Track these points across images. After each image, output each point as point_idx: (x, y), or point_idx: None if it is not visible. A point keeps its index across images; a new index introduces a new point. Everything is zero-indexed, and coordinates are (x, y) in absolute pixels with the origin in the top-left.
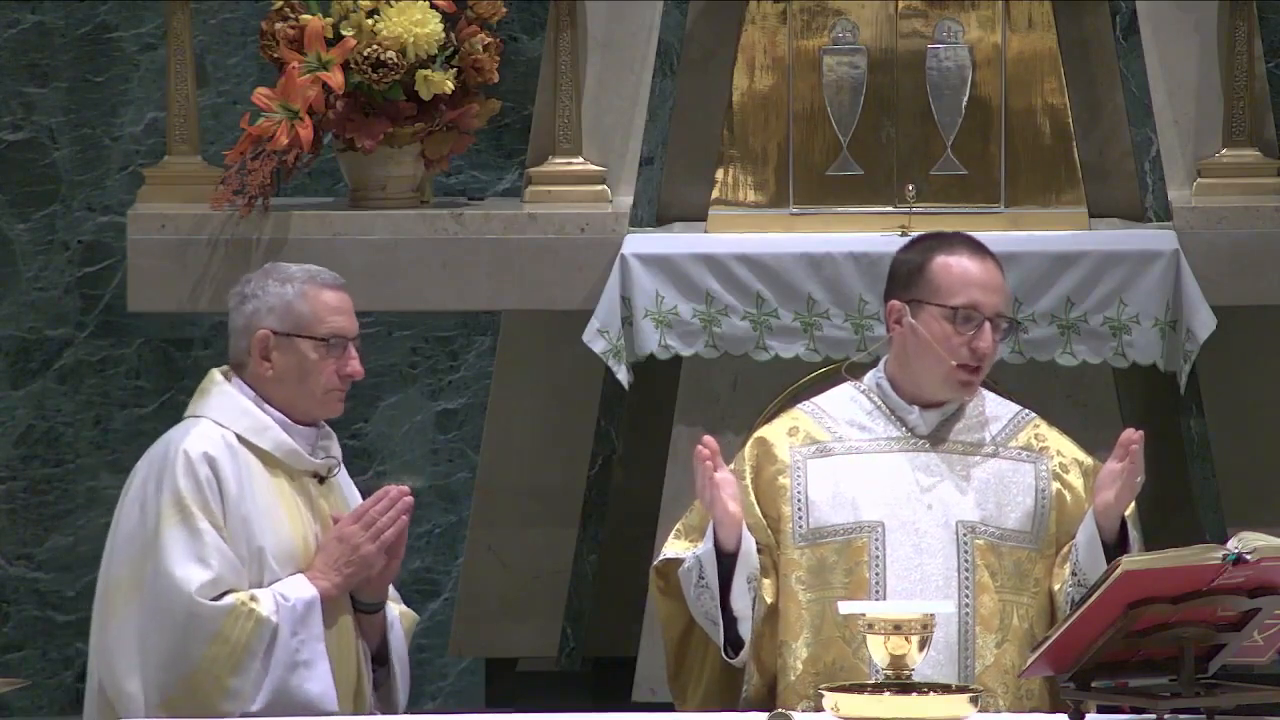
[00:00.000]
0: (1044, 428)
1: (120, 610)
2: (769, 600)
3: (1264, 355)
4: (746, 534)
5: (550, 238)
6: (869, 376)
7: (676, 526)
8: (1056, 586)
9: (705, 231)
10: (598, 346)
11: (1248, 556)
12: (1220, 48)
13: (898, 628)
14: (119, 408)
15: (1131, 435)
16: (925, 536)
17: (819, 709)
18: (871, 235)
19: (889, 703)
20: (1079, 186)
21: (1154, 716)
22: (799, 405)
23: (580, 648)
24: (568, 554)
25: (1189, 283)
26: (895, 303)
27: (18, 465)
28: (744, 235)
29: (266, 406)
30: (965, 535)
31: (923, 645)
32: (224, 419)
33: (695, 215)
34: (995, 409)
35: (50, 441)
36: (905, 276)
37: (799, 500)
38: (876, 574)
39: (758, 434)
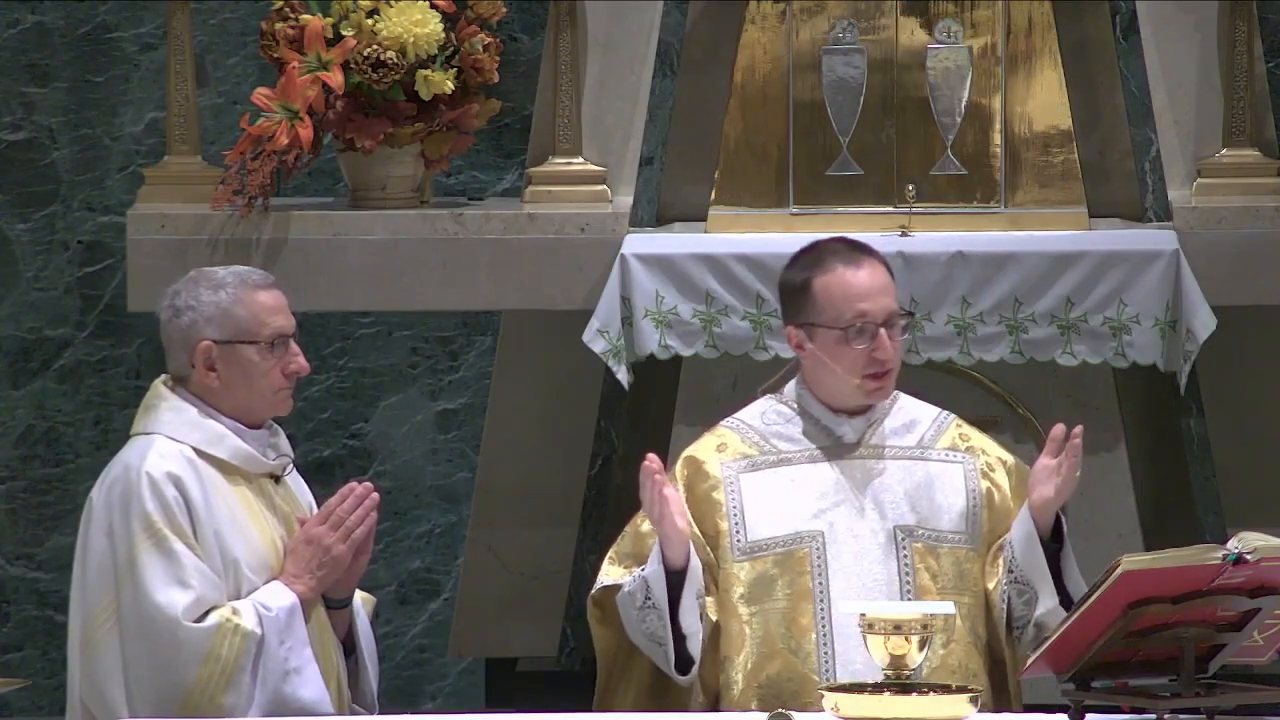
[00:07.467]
0: (966, 428)
1: (104, 640)
2: (714, 618)
3: (1264, 355)
4: (693, 551)
5: (550, 238)
6: (789, 388)
7: (609, 554)
8: (990, 585)
9: (705, 231)
10: (598, 346)
11: (1248, 556)
12: (1220, 48)
13: (898, 628)
14: (119, 408)
15: (1069, 430)
16: (864, 542)
17: None
18: (871, 235)
19: (889, 703)
20: (1079, 186)
21: (1154, 716)
22: (722, 423)
23: (580, 648)
24: (568, 554)
25: (1189, 283)
26: (791, 329)
27: (18, 465)
28: (744, 235)
29: (217, 415)
30: (903, 539)
31: (922, 645)
32: (178, 434)
33: (695, 215)
34: (916, 412)
35: (50, 441)
36: (792, 301)
37: (735, 514)
38: (820, 582)
39: (686, 453)
